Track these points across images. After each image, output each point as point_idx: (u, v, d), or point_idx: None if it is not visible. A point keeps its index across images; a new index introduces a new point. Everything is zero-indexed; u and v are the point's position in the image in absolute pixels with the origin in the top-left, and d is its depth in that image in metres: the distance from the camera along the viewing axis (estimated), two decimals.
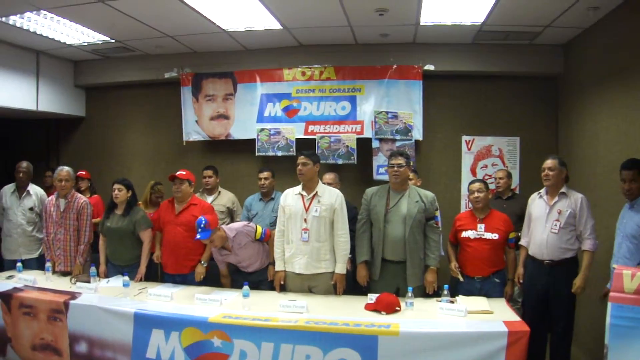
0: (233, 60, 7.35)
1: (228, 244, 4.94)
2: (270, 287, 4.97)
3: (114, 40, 6.82)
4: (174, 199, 5.39)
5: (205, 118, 7.43)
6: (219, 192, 6.35)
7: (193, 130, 7.49)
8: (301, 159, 4.82)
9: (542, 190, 4.84)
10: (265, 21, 6.11)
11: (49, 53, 7.37)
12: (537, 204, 4.84)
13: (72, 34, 6.50)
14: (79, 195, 5.69)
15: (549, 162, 4.74)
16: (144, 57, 7.57)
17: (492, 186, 5.79)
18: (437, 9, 5.67)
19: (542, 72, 6.80)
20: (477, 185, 4.95)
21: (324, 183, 5.40)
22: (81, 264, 5.46)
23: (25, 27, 6.16)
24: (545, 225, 4.69)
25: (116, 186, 5.38)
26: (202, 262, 5.21)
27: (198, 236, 4.74)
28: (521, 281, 4.82)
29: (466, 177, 6.98)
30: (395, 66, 6.93)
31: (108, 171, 7.79)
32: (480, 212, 4.95)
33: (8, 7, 5.52)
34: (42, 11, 5.62)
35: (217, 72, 7.38)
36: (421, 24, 6.10)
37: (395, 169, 4.73)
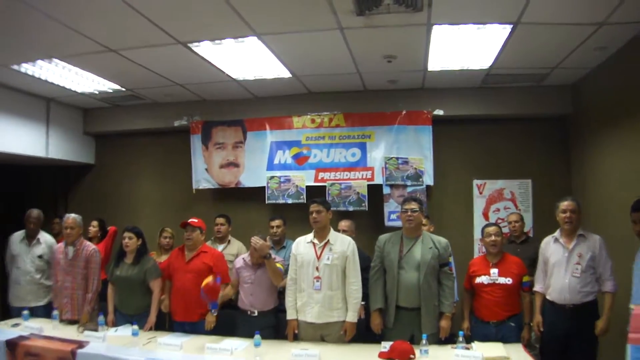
0: (243, 108, 7.43)
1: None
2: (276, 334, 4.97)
3: (124, 89, 6.92)
4: (184, 247, 5.38)
5: (215, 166, 7.47)
6: (229, 240, 6.35)
7: (203, 178, 7.51)
8: (315, 207, 4.82)
9: (557, 233, 4.80)
10: (275, 70, 6.17)
11: (59, 100, 7.47)
12: (553, 248, 4.78)
13: (83, 82, 6.58)
14: (88, 243, 5.66)
15: (568, 204, 4.70)
16: (153, 105, 7.67)
17: (505, 230, 5.74)
18: (444, 56, 5.72)
19: (551, 113, 6.84)
20: (493, 228, 4.94)
21: (338, 230, 5.43)
22: (89, 313, 5.39)
23: (36, 75, 6.25)
24: (565, 269, 4.64)
25: (126, 234, 5.37)
26: (212, 311, 5.16)
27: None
28: (541, 329, 4.73)
29: (478, 221, 6.96)
30: (404, 112, 6.98)
31: (117, 219, 7.59)
32: (493, 256, 4.93)
33: (21, 56, 5.63)
34: (54, 59, 5.72)
35: (227, 120, 7.45)
36: (429, 70, 6.16)
37: (409, 213, 4.71)
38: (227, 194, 7.57)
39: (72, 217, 5.61)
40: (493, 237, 4.89)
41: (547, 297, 4.75)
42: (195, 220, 5.37)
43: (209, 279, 4.89)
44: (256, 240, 5.03)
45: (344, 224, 5.77)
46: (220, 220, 6.34)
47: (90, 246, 5.61)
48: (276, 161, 7.28)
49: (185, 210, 7.52)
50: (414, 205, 4.73)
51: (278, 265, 5.11)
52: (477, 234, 6.89)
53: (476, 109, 6.91)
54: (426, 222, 5.62)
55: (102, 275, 5.67)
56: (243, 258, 5.32)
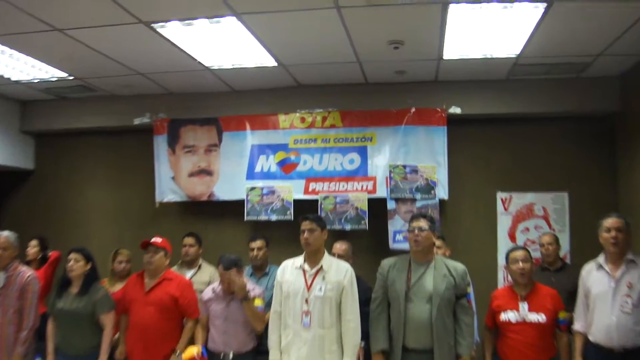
0: (218, 104, 7.46)
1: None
2: None
3: (72, 77, 6.91)
4: (144, 273, 5.33)
5: (183, 174, 7.48)
6: (200, 265, 6.34)
7: (168, 189, 7.52)
8: (307, 225, 4.81)
9: (600, 259, 4.76)
10: (258, 57, 6.19)
11: None
12: (596, 277, 4.73)
13: (21, 67, 6.52)
14: (24, 268, 5.49)
15: (614, 221, 4.66)
16: (108, 99, 7.69)
17: (535, 254, 5.71)
18: (462, 41, 5.75)
19: (594, 111, 6.85)
20: (521, 253, 4.93)
21: (332, 254, 5.35)
22: (22, 355, 5.23)
23: None
24: (612, 303, 4.56)
25: (72, 256, 5.26)
26: (177, 353, 5.07)
27: None
28: None
29: (503, 243, 6.96)
30: (413, 109, 7.00)
31: (62, 238, 7.64)
32: (522, 287, 4.90)
33: None
34: None
35: (199, 117, 7.48)
36: (444, 58, 6.18)
37: (416, 233, 4.69)
38: (197, 209, 7.59)
39: (3, 235, 5.45)
40: (520, 264, 4.86)
41: (590, 337, 4.69)
42: (159, 240, 5.34)
43: (192, 352, 4.91)
44: (233, 277, 5.07)
45: (339, 246, 5.78)
46: (189, 240, 6.33)
47: (26, 272, 5.44)
48: (258, 168, 7.29)
49: (146, 227, 7.50)
50: (422, 223, 4.73)
51: (258, 302, 5.12)
52: (501, 260, 6.84)
53: (501, 107, 6.93)
54: (441, 244, 5.64)
55: (41, 309, 5.53)
56: (213, 288, 5.31)
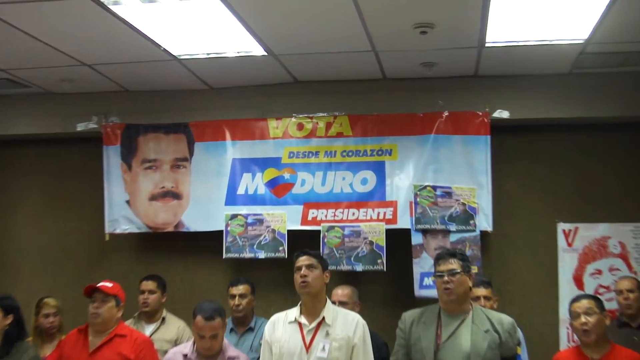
0: (188, 106, 7.53)
1: None
2: None
3: None
4: (88, 328, 5.23)
5: (142, 196, 7.51)
6: (163, 318, 6.36)
7: (122, 216, 7.51)
8: (304, 260, 4.83)
9: None
10: (242, 44, 6.22)
11: None
12: None
13: None
14: None
15: None
16: (42, 97, 7.75)
17: (611, 305, 5.67)
18: (512, 22, 5.75)
19: None
20: (584, 304, 4.86)
21: (332, 302, 5.30)
22: None
23: None
24: None
25: None
26: None
27: None
28: None
29: (567, 290, 6.92)
30: (446, 113, 7.04)
31: None
32: (593, 348, 4.82)
33: None
34: None
35: (163, 123, 7.53)
36: (487, 45, 6.21)
37: (446, 278, 4.69)
38: (160, 243, 7.62)
39: None
40: (582, 319, 4.79)
41: None
42: (108, 285, 5.28)
43: None
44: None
45: (340, 292, 5.88)
46: (149, 285, 6.35)
47: None
48: (241, 190, 7.33)
49: (91, 268, 7.56)
50: (453, 265, 4.72)
51: None
52: (564, 312, 6.66)
53: (562, 109, 6.97)
54: (488, 293, 5.72)
55: None
56: (184, 351, 5.15)
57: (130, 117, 7.55)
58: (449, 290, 4.65)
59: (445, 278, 4.66)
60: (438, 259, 4.83)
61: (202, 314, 4.95)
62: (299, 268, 4.79)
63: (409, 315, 4.86)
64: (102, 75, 7.05)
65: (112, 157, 7.53)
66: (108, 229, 7.49)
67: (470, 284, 4.81)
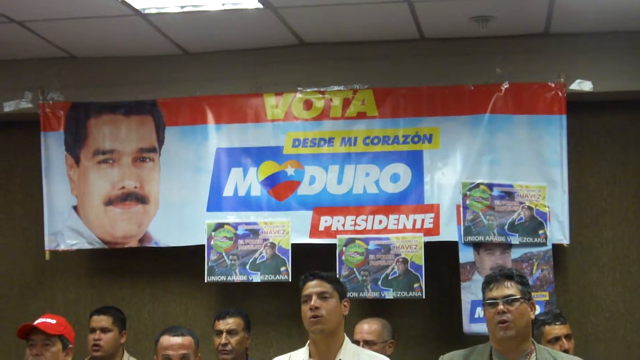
0: (157, 77, 7.52)
1: None
2: None
3: None
4: None
5: (94, 201, 7.42)
6: None
7: (67, 228, 7.41)
8: (314, 286, 4.78)
9: None
10: None
11: None
12: None
13: None
14: None
15: None
16: None
17: None
18: None
19: None
20: None
21: (355, 341, 5.49)
22: None
23: None
24: None
25: None
26: None
27: None
28: None
29: None
30: (506, 85, 7.01)
31: None
32: None
33: None
34: None
35: (122, 101, 7.50)
36: None
37: (501, 307, 4.62)
38: (120, 263, 7.60)
39: None
40: None
41: None
42: (51, 322, 5.16)
43: None
44: None
45: (367, 327, 6.01)
46: (102, 320, 6.33)
47: None
48: (229, 191, 7.30)
49: (26, 297, 7.55)
50: (509, 290, 4.70)
51: None
52: None
53: None
54: (564, 329, 5.70)
55: None
56: None
57: (77, 93, 7.50)
58: (506, 324, 4.56)
59: (501, 307, 4.59)
60: (489, 283, 4.79)
61: (168, 333, 5.04)
62: (309, 297, 4.73)
63: (448, 359, 4.83)
64: (37, 36, 7.02)
65: (52, 148, 7.47)
66: (48, 245, 7.39)
67: (532, 316, 4.78)
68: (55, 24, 6.75)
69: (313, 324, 4.65)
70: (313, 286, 4.74)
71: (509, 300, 4.58)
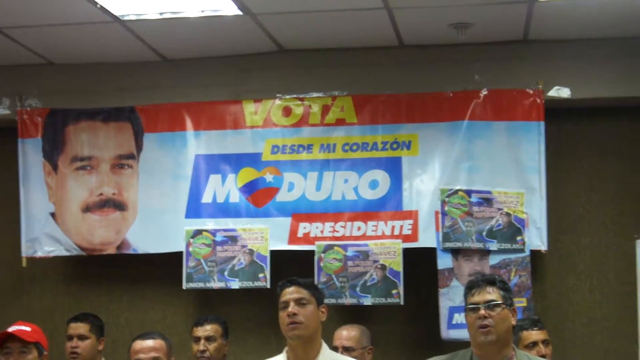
0: (136, 84, 7.52)
1: None
2: None
3: None
4: None
5: (72, 207, 7.41)
6: None
7: (45, 235, 7.40)
8: (292, 293, 4.76)
9: None
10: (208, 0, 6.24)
11: None
12: None
13: None
14: None
15: None
16: None
17: None
18: None
19: None
20: None
21: (334, 348, 5.55)
22: None
23: None
24: None
25: None
26: None
27: None
28: None
29: None
30: (485, 92, 7.01)
31: None
32: None
33: None
34: None
35: (101, 108, 7.47)
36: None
37: (482, 312, 4.60)
38: (98, 270, 7.57)
39: None
40: None
41: None
42: (26, 329, 5.16)
43: None
44: None
45: (345, 334, 6.02)
46: (80, 327, 6.28)
47: None
48: (207, 198, 7.31)
49: (1, 304, 7.58)
50: (491, 295, 4.68)
51: None
52: None
53: None
54: (541, 335, 5.68)
55: None
56: None
57: (55, 99, 7.49)
58: (487, 329, 4.54)
59: (482, 312, 4.56)
60: (471, 288, 4.77)
61: (139, 338, 5.04)
62: (286, 304, 4.70)
63: None
64: (15, 42, 7.01)
65: (30, 154, 7.47)
66: (25, 251, 7.40)
67: (513, 322, 4.77)
68: (34, 31, 6.75)
69: (290, 330, 4.64)
70: (290, 292, 4.72)
71: (490, 305, 4.57)
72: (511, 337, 4.71)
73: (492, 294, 4.62)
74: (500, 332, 4.56)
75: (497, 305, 4.57)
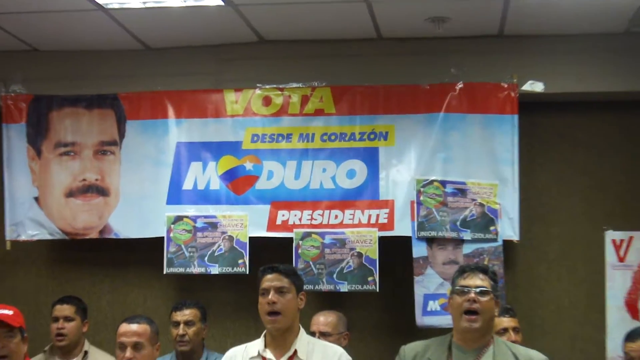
0: (118, 71, 7.50)
1: None
2: None
3: None
4: None
5: (55, 192, 7.39)
6: (86, 352, 6.39)
7: (28, 219, 7.40)
8: (272, 280, 4.76)
9: None
10: None
11: None
12: None
13: None
14: None
15: None
16: None
17: None
18: None
19: None
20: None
21: (311, 333, 5.53)
22: None
23: None
24: None
25: None
26: None
27: None
28: None
29: (616, 318, 6.86)
30: (460, 85, 7.03)
31: None
32: None
33: None
34: None
35: (84, 94, 7.43)
36: None
37: (472, 295, 4.57)
38: (81, 254, 7.57)
39: None
40: None
41: None
42: (9, 313, 4.94)
43: None
44: None
45: (322, 320, 6.04)
46: (65, 310, 6.29)
47: None
48: (188, 185, 7.30)
49: None
50: (482, 282, 4.65)
51: None
52: (614, 347, 6.66)
53: (615, 81, 6.96)
54: (516, 323, 5.78)
55: None
56: None
57: (39, 85, 7.46)
58: (474, 316, 4.56)
59: (472, 295, 4.56)
60: (463, 272, 4.76)
61: (126, 321, 4.98)
62: (266, 291, 4.72)
63: (410, 350, 4.79)
64: (0, 29, 6.98)
65: (14, 139, 7.46)
66: (9, 235, 7.40)
67: (496, 313, 4.77)
68: (19, 17, 6.70)
69: (270, 322, 4.69)
70: (271, 280, 4.72)
71: (482, 291, 4.57)
72: (492, 326, 4.72)
73: (483, 281, 4.62)
74: (485, 320, 4.56)
75: (487, 292, 4.58)
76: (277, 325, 4.67)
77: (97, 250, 7.42)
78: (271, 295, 4.66)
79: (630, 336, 4.90)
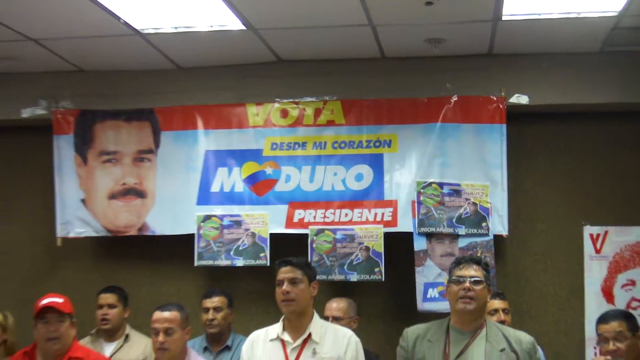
0: (154, 88, 7.54)
1: None
2: None
3: None
4: (34, 348, 5.14)
5: (99, 195, 7.47)
6: (127, 335, 6.45)
7: (76, 218, 7.47)
8: (287, 272, 4.85)
9: None
10: (215, 16, 6.20)
11: None
12: None
13: None
14: None
15: None
16: None
17: None
18: None
19: None
20: (613, 326, 4.75)
21: (325, 317, 5.62)
22: None
23: None
24: None
25: None
26: None
27: None
28: None
29: (594, 303, 6.98)
30: (455, 98, 7.08)
31: None
32: None
33: None
34: None
35: (124, 109, 7.51)
36: (504, 18, 6.19)
37: (467, 284, 4.67)
38: (122, 249, 7.62)
39: None
40: (611, 345, 4.69)
41: None
42: (60, 301, 5.15)
43: None
44: None
45: (335, 305, 6.05)
46: (109, 298, 6.39)
47: None
48: (215, 187, 7.34)
49: (40, 279, 7.52)
50: (476, 272, 4.73)
51: None
52: (591, 330, 6.43)
53: (592, 94, 6.97)
54: (505, 304, 5.80)
55: None
56: None
57: (85, 101, 7.52)
58: (468, 301, 4.64)
59: (467, 284, 4.64)
60: (459, 263, 4.83)
61: (159, 309, 5.08)
62: (281, 282, 4.81)
63: (412, 332, 4.85)
64: (51, 52, 7.01)
65: (63, 149, 7.50)
66: (60, 232, 7.45)
67: (488, 299, 4.86)
68: (66, 42, 6.77)
69: (285, 306, 4.78)
70: (285, 272, 4.81)
71: (476, 280, 4.64)
72: (485, 311, 4.84)
73: (477, 272, 4.68)
74: (478, 304, 4.65)
75: (480, 282, 4.65)
76: (290, 308, 4.77)
77: (136, 246, 7.50)
78: (285, 286, 4.77)
79: (603, 318, 4.82)
